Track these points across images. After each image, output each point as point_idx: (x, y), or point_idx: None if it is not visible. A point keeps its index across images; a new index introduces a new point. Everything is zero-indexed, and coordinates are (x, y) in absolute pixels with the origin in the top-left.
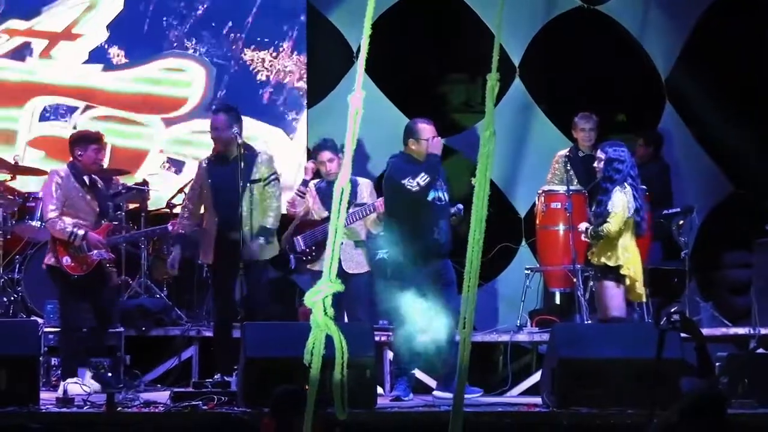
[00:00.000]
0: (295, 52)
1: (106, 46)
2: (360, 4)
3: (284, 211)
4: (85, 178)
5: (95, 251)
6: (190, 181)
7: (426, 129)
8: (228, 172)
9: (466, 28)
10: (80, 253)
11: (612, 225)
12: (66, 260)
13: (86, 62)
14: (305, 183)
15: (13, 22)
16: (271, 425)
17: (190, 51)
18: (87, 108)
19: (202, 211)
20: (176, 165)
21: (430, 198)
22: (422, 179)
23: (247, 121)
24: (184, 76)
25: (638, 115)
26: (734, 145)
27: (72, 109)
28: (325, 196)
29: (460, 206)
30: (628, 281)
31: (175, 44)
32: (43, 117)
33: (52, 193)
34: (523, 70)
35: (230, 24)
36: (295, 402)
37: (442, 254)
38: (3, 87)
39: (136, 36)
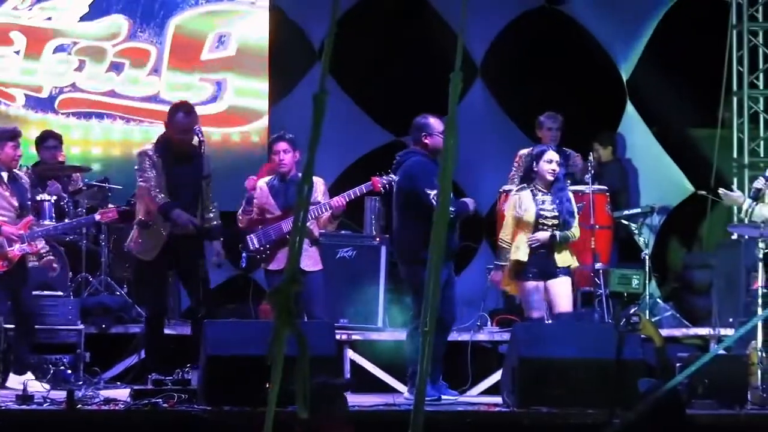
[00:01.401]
0: None
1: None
2: (321, 2)
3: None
4: (3, 174)
5: (17, 246)
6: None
7: (437, 123)
8: (183, 169)
9: (428, 28)
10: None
11: (578, 229)
12: None
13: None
14: (249, 201)
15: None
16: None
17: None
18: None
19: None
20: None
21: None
22: (449, 212)
23: None
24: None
25: (599, 115)
26: (695, 145)
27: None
28: (278, 192)
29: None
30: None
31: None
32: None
33: None
34: (484, 69)
35: None
36: (327, 396)
37: (452, 255)
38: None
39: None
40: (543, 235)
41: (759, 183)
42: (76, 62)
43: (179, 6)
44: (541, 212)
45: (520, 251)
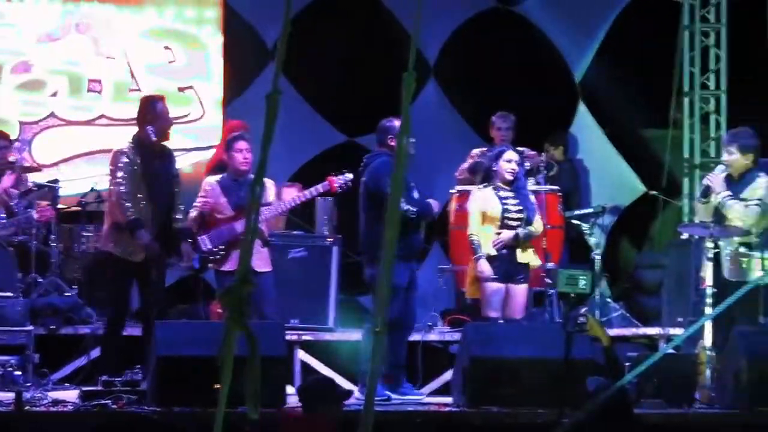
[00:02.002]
0: None
1: None
2: (275, 2)
3: None
4: None
5: None
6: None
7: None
8: (159, 166)
9: (382, 28)
10: None
11: (540, 223)
12: None
13: None
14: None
15: None
16: (298, 419)
17: None
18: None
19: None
20: None
21: (416, 197)
22: (410, 211)
23: None
24: None
25: (551, 115)
26: (647, 146)
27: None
28: (230, 192)
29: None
30: None
31: None
32: None
33: None
34: (438, 69)
35: None
36: (324, 393)
37: (415, 256)
38: None
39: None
40: (506, 235)
41: (707, 180)
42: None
43: None
44: (506, 209)
45: (486, 246)
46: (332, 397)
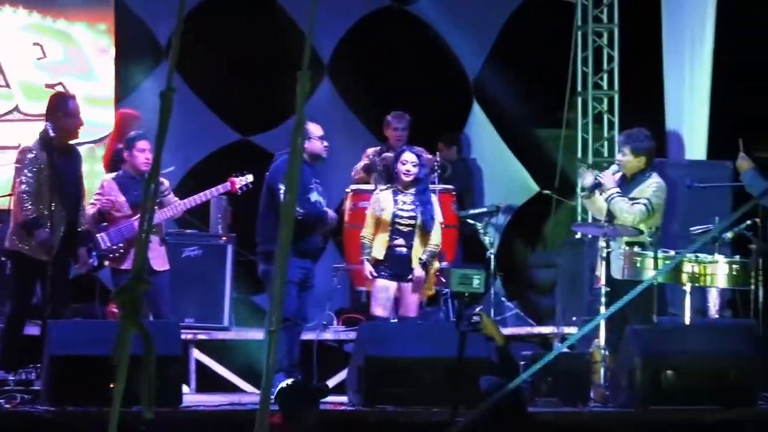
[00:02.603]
0: None
1: None
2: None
3: None
4: None
5: None
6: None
7: (315, 128)
8: (66, 164)
9: (276, 26)
10: None
11: (438, 235)
12: None
13: None
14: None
15: None
16: (279, 422)
17: None
18: None
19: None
20: None
21: (313, 200)
22: (297, 212)
23: None
24: None
25: (445, 115)
26: (540, 145)
27: None
28: (127, 189)
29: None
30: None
31: None
32: None
33: None
34: (332, 68)
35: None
36: (299, 395)
37: (316, 256)
38: None
39: None
40: (419, 274)
41: (600, 177)
42: None
43: None
44: (397, 214)
45: (375, 249)
46: (307, 397)
